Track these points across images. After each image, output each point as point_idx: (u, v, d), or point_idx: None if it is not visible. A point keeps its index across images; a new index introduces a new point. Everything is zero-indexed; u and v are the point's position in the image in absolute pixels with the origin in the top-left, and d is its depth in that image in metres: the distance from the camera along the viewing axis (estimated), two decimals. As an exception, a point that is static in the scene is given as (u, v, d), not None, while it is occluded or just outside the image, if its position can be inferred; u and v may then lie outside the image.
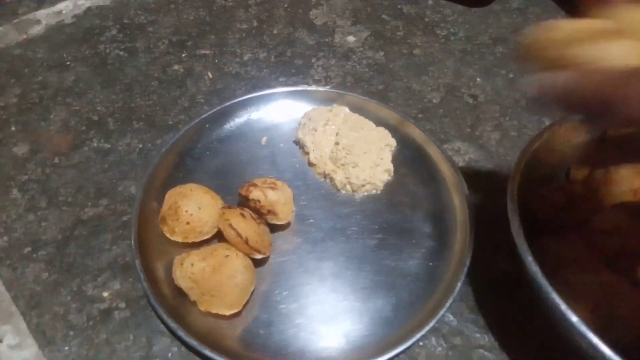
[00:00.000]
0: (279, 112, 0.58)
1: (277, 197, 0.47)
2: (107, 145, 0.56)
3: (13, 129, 0.58)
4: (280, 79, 0.63)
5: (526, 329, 0.46)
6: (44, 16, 0.69)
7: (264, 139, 0.56)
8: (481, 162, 0.57)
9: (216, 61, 0.65)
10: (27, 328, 0.45)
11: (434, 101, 0.62)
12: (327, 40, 0.69)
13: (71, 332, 0.45)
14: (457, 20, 0.71)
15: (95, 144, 0.56)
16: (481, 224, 0.52)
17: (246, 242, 0.44)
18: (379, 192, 0.52)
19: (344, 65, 0.66)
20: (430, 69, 0.65)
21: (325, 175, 0.53)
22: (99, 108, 0.59)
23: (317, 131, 0.53)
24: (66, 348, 0.44)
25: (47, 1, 0.71)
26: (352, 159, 0.51)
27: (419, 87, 0.64)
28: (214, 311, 0.44)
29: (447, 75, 0.65)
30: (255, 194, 0.47)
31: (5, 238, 0.50)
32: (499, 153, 0.58)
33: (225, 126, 0.56)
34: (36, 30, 0.68)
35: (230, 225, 0.45)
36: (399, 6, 0.73)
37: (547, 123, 0.60)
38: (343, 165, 0.52)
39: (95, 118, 0.58)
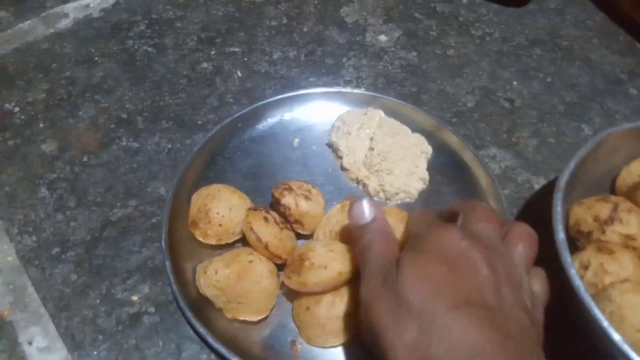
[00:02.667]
0: (312, 113, 0.56)
1: (309, 209, 0.46)
2: (136, 145, 0.55)
3: (41, 125, 0.57)
4: (311, 79, 0.62)
5: (565, 346, 0.44)
6: (72, 10, 0.68)
7: (296, 141, 0.55)
8: (518, 169, 0.55)
9: (245, 59, 0.64)
10: (56, 331, 0.44)
11: (469, 105, 0.60)
12: (358, 39, 0.67)
13: (100, 337, 0.44)
14: (493, 20, 0.69)
15: (124, 143, 0.55)
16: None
17: (266, 246, 0.43)
18: (413, 200, 0.51)
19: (376, 65, 0.64)
20: (465, 71, 0.64)
21: (358, 181, 0.52)
22: (127, 106, 0.58)
23: (351, 135, 0.52)
24: (95, 353, 0.43)
25: (75, -6, 0.70)
26: (386, 165, 0.50)
27: (453, 89, 0.62)
28: (241, 318, 0.43)
29: (482, 78, 0.63)
30: (287, 199, 0.46)
31: (34, 238, 0.49)
32: (537, 160, 0.56)
33: (257, 126, 0.55)
34: (64, 24, 0.67)
35: (252, 228, 0.44)
36: (432, 4, 0.71)
37: (586, 131, 0.58)
38: (377, 171, 0.50)
39: (124, 116, 0.57)
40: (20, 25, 0.67)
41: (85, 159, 0.54)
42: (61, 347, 0.44)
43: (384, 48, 0.66)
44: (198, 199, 0.47)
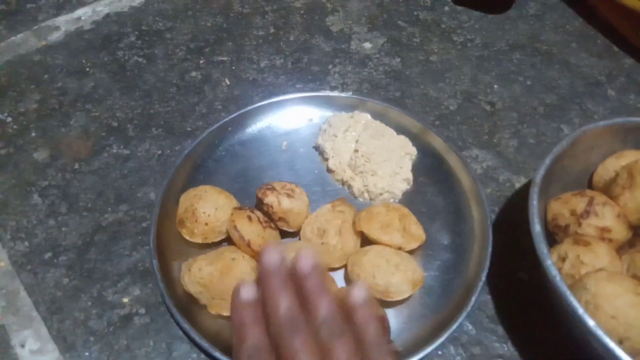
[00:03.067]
0: (299, 117, 0.58)
1: (291, 206, 0.47)
2: (127, 152, 0.56)
3: (33, 134, 0.58)
4: (297, 86, 0.63)
5: (546, 338, 0.45)
6: (63, 22, 0.70)
7: (284, 144, 0.56)
8: (499, 169, 0.57)
9: (233, 68, 0.65)
10: (48, 333, 0.45)
11: (451, 108, 0.62)
12: (343, 46, 0.69)
13: (92, 338, 0.45)
14: (474, 27, 0.71)
15: (114, 150, 0.57)
16: (500, 232, 0.51)
17: (248, 244, 0.45)
18: (396, 201, 0.52)
19: (361, 72, 0.66)
20: (447, 76, 0.65)
21: (343, 182, 0.53)
22: (118, 114, 0.60)
23: (337, 137, 0.53)
24: (87, 354, 0.44)
25: (67, 7, 0.72)
26: (370, 167, 0.51)
27: (435, 94, 0.63)
28: (224, 314, 0.44)
29: (464, 82, 0.65)
30: (270, 198, 0.47)
31: (26, 243, 0.50)
32: (517, 160, 0.57)
33: (246, 130, 0.57)
34: (55, 36, 0.68)
35: (235, 227, 0.45)
36: (415, 12, 0.73)
37: (566, 131, 0.60)
38: (361, 172, 0.52)
39: (115, 124, 0.59)
40: (13, 38, 0.68)
41: (76, 166, 0.55)
42: (53, 349, 0.45)
43: (368, 55, 0.68)
44: (186, 199, 0.49)
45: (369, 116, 0.56)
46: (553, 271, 0.38)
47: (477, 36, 0.70)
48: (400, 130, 0.56)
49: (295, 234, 0.49)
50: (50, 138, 0.58)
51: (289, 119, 0.58)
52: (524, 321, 0.47)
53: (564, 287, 0.37)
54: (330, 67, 0.66)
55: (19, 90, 0.62)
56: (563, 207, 0.46)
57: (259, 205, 0.48)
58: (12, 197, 0.53)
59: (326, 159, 0.54)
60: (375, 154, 0.52)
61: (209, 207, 0.47)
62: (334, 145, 0.53)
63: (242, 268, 0.44)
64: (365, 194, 0.52)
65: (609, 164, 0.49)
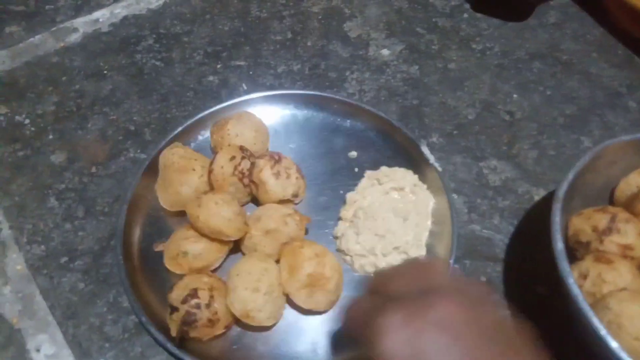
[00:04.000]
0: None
1: (270, 184, 0.50)
2: (143, 156, 0.56)
3: (51, 137, 0.58)
4: (315, 92, 0.63)
5: (564, 355, 0.45)
6: (82, 24, 0.70)
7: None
8: (518, 181, 0.56)
9: (251, 73, 0.65)
10: (64, 338, 0.45)
11: (470, 117, 0.61)
12: (361, 53, 0.68)
13: (107, 344, 0.45)
14: (493, 35, 0.71)
15: (131, 154, 0.57)
16: (519, 245, 0.51)
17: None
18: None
19: (378, 79, 0.65)
20: (466, 84, 0.65)
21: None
22: (135, 118, 0.60)
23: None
24: (102, 360, 0.44)
25: (85, 9, 0.72)
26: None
27: (454, 102, 0.63)
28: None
29: (482, 91, 0.64)
30: (260, 162, 0.51)
31: (42, 247, 0.50)
32: (537, 172, 0.57)
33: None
34: (73, 38, 0.68)
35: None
36: (433, 19, 0.72)
37: (586, 143, 0.59)
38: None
39: (132, 128, 0.59)
40: (31, 39, 0.68)
41: (93, 169, 0.55)
42: (68, 355, 0.45)
43: (386, 62, 0.67)
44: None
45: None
46: (575, 290, 0.38)
47: (496, 44, 0.69)
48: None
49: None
50: (67, 141, 0.58)
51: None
52: (542, 336, 0.46)
53: (586, 307, 0.37)
54: (347, 73, 0.66)
55: (37, 92, 0.62)
56: (585, 223, 0.45)
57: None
58: (29, 200, 0.53)
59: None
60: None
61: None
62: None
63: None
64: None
65: (631, 179, 0.48)
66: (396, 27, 0.72)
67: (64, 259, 0.50)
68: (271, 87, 0.64)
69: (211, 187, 0.50)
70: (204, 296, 0.43)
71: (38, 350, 0.45)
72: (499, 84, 0.65)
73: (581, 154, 0.58)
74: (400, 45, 0.69)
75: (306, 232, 0.50)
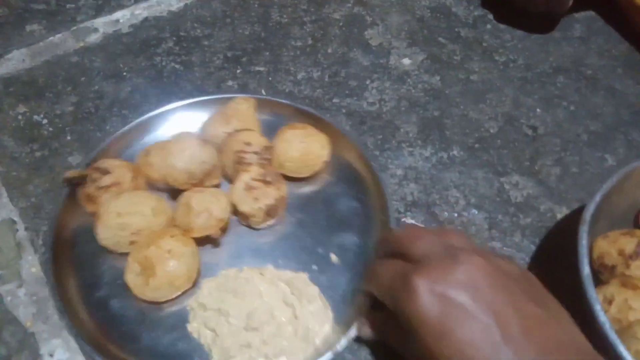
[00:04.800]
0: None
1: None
2: (161, 161, 0.56)
3: (69, 138, 0.58)
4: (334, 100, 0.62)
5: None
6: (102, 24, 0.70)
7: None
8: (540, 198, 0.55)
9: (270, 79, 0.65)
10: (77, 344, 0.45)
11: (492, 131, 0.60)
12: (382, 61, 0.67)
13: (120, 352, 0.44)
14: (517, 47, 0.70)
15: (149, 159, 0.56)
16: (540, 265, 0.50)
17: None
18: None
19: (399, 88, 0.64)
20: (488, 97, 0.64)
21: None
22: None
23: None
24: (115, 367, 0.44)
25: (105, 9, 0.71)
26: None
27: (476, 115, 0.62)
28: None
29: (505, 104, 0.63)
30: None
31: (58, 250, 0.50)
32: (559, 190, 0.56)
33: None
34: (93, 38, 0.68)
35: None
36: (456, 29, 0.71)
37: (610, 161, 0.58)
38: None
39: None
40: (51, 38, 0.68)
41: (110, 173, 0.55)
42: (81, 361, 0.44)
43: (407, 71, 0.66)
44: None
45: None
46: (602, 317, 0.37)
47: (520, 57, 0.68)
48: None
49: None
50: (85, 142, 0.57)
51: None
52: None
53: (613, 336, 0.36)
54: (368, 82, 0.65)
55: (56, 91, 0.62)
56: (611, 246, 0.44)
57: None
58: (46, 202, 0.53)
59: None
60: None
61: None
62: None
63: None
64: None
65: (659, 202, 0.47)
66: (418, 36, 0.71)
67: (79, 263, 0.49)
68: (290, 94, 0.63)
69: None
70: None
71: (51, 355, 0.44)
72: (522, 98, 0.64)
73: (605, 172, 0.57)
74: (422, 54, 0.68)
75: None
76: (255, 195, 0.49)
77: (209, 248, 0.49)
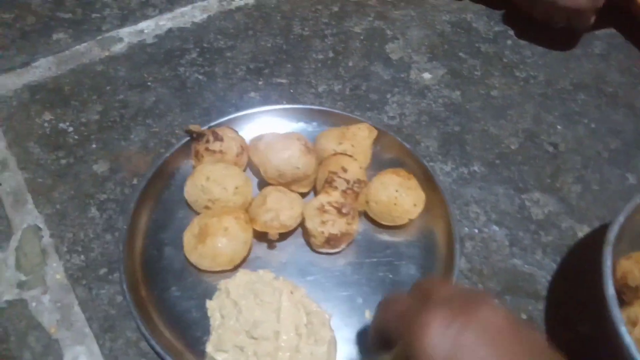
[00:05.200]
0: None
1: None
2: (184, 170, 0.57)
3: (94, 146, 0.59)
4: (356, 113, 0.63)
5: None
6: (127, 34, 0.71)
7: None
8: (561, 215, 0.55)
9: (291, 91, 0.65)
10: (100, 352, 0.45)
11: (512, 147, 0.61)
12: (402, 75, 0.68)
13: (143, 360, 0.45)
14: (537, 63, 0.70)
15: (172, 168, 0.57)
16: (561, 283, 0.50)
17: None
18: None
19: (419, 102, 0.65)
20: (509, 113, 0.64)
21: None
22: (177, 131, 0.60)
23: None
24: (137, 376, 0.44)
25: (130, 19, 0.73)
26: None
27: (496, 130, 0.62)
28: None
29: (526, 120, 0.63)
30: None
31: (82, 257, 0.51)
32: (580, 207, 0.56)
33: None
34: (118, 48, 0.69)
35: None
36: (476, 44, 0.72)
37: (631, 179, 0.58)
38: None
39: (174, 141, 0.59)
40: (77, 47, 0.69)
41: (135, 181, 0.56)
42: (105, 369, 0.45)
43: (427, 86, 0.67)
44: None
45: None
46: (627, 339, 0.37)
47: (540, 73, 0.69)
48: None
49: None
50: (110, 151, 0.58)
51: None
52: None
53: (638, 358, 0.36)
54: (388, 96, 0.65)
55: (81, 100, 0.63)
56: (634, 266, 0.44)
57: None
58: (70, 209, 0.54)
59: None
60: None
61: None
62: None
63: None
64: None
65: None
66: (438, 50, 0.71)
67: (103, 271, 0.50)
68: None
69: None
70: None
71: (74, 362, 0.45)
72: (543, 114, 0.64)
73: (626, 190, 0.57)
74: (442, 69, 0.69)
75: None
76: (324, 218, 0.48)
77: (264, 245, 0.51)
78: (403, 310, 0.35)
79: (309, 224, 0.49)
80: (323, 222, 0.48)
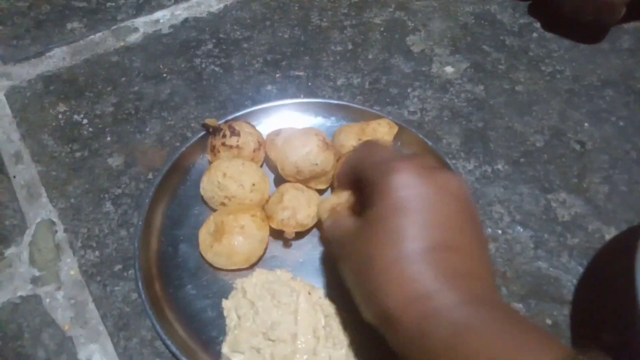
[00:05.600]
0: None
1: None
2: (200, 165, 0.55)
3: (108, 139, 0.58)
4: (375, 108, 0.61)
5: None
6: (142, 24, 0.70)
7: None
8: (588, 217, 0.53)
9: (309, 84, 0.64)
10: (114, 350, 0.44)
11: (538, 145, 0.59)
12: (424, 69, 0.66)
13: (158, 360, 0.44)
14: (564, 57, 0.67)
15: (188, 163, 0.56)
16: (586, 289, 0.48)
17: None
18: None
19: (441, 97, 0.63)
20: (534, 109, 0.62)
21: None
22: (193, 125, 0.59)
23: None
24: (152, 376, 0.43)
25: (146, 9, 0.71)
26: None
27: (521, 127, 0.60)
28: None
29: (552, 117, 0.61)
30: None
31: (96, 253, 0.50)
32: (607, 209, 0.54)
33: None
34: (134, 38, 0.68)
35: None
36: (501, 37, 0.70)
37: (661, 180, 0.56)
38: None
39: (189, 135, 0.58)
40: (92, 36, 0.68)
41: (150, 175, 0.55)
42: (119, 368, 0.44)
43: (450, 80, 0.65)
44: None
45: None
46: (663, 352, 0.35)
47: (567, 68, 0.66)
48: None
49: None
50: (125, 144, 0.57)
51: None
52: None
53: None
54: (409, 90, 0.63)
55: (96, 91, 0.62)
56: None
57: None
58: (85, 203, 0.53)
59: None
60: None
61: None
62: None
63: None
64: None
65: None
66: (461, 43, 0.69)
67: (117, 267, 0.49)
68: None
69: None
70: None
71: (89, 360, 0.44)
72: (569, 111, 0.62)
73: (656, 192, 0.55)
74: (465, 62, 0.67)
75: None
76: None
77: (280, 243, 0.50)
78: (381, 156, 0.38)
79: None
80: None
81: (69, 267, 0.49)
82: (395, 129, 0.55)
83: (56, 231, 0.51)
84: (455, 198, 0.35)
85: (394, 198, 0.34)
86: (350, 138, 0.53)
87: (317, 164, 0.50)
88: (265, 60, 0.66)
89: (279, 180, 0.52)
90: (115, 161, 0.56)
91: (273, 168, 0.53)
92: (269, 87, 0.63)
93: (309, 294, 0.45)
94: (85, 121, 0.59)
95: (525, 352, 0.28)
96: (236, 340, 0.43)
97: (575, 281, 0.49)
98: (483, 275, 0.35)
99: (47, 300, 0.47)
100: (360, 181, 0.39)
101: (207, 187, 0.50)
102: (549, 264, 0.50)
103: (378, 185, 0.36)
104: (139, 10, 0.71)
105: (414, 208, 0.34)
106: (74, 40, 0.68)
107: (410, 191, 0.34)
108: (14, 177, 0.55)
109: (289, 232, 0.48)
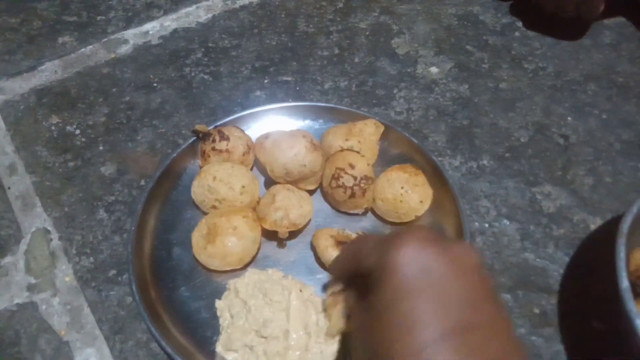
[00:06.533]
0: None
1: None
2: (191, 170, 0.57)
3: (101, 148, 0.59)
4: (362, 109, 0.62)
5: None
6: (132, 36, 0.71)
7: None
8: (573, 208, 0.54)
9: (297, 88, 0.65)
10: (111, 354, 0.45)
11: (522, 140, 0.60)
12: (409, 70, 0.67)
13: (153, 361, 0.45)
14: (546, 54, 0.69)
15: (179, 169, 0.57)
16: (573, 277, 0.49)
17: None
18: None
19: (427, 97, 0.64)
20: (518, 105, 0.63)
21: None
22: (183, 132, 0.60)
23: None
24: (148, 377, 0.44)
25: (135, 21, 0.73)
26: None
27: (505, 124, 0.61)
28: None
29: (535, 113, 0.62)
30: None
31: (91, 259, 0.51)
32: (593, 200, 0.55)
33: None
34: (124, 49, 0.69)
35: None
36: (484, 37, 0.71)
37: (645, 170, 0.57)
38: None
39: (181, 141, 0.59)
40: (83, 49, 0.69)
41: (142, 182, 0.56)
42: (115, 370, 0.45)
43: (435, 80, 0.66)
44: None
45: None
46: (644, 333, 0.36)
47: (550, 64, 0.68)
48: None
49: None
50: (117, 153, 0.58)
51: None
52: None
53: (656, 352, 0.35)
54: (395, 91, 0.65)
55: (88, 102, 0.63)
56: (649, 258, 0.43)
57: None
58: (79, 211, 0.54)
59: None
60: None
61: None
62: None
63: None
64: None
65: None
66: (445, 44, 0.70)
67: (112, 272, 0.50)
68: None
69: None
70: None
71: (85, 364, 0.45)
72: (553, 106, 0.63)
73: (639, 182, 0.56)
74: (450, 63, 0.68)
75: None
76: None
77: (273, 244, 0.51)
78: (378, 240, 0.35)
79: (324, 254, 0.48)
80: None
81: (64, 273, 0.50)
82: (382, 128, 0.56)
83: (51, 239, 0.52)
84: (468, 270, 0.32)
85: (399, 278, 0.31)
86: (338, 139, 0.54)
87: (305, 165, 0.51)
88: (254, 66, 0.67)
89: (269, 182, 0.54)
90: (108, 169, 0.57)
91: (263, 170, 0.54)
92: (258, 93, 0.64)
93: (301, 291, 0.45)
94: (77, 132, 0.60)
95: None
96: (229, 339, 0.43)
97: (561, 271, 0.50)
98: (510, 355, 0.30)
99: (44, 306, 0.48)
100: (360, 271, 0.35)
101: (198, 190, 0.51)
102: (535, 255, 0.51)
103: (379, 267, 0.32)
104: (128, 23, 0.72)
105: (422, 287, 0.30)
106: (66, 54, 0.69)
107: (416, 267, 0.31)
108: (9, 188, 0.56)
109: (283, 232, 0.49)
